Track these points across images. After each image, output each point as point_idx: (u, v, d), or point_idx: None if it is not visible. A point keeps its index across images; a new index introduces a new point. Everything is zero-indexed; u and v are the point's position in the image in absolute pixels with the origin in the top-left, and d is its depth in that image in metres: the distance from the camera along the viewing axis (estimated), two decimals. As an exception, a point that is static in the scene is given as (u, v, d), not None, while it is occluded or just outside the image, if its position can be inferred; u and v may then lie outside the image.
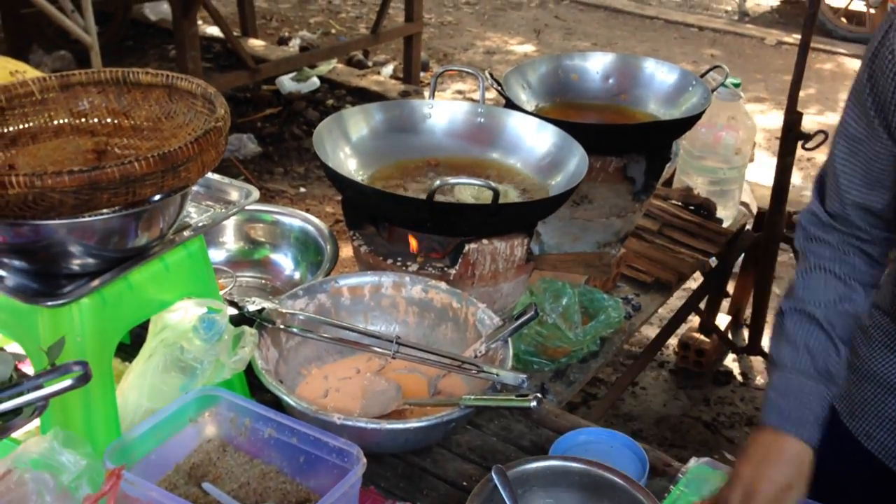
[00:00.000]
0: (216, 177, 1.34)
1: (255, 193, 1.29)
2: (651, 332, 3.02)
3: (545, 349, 2.03)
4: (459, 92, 5.34)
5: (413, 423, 1.23)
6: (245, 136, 4.42)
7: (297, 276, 1.65)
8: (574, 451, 1.31)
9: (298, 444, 1.19)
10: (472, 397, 1.24)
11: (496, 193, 1.48)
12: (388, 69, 5.58)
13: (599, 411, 2.60)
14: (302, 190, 4.14)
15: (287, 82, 5.03)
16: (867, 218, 1.27)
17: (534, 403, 1.17)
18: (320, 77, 5.15)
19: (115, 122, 1.26)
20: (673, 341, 3.10)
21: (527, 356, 2.03)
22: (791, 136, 2.43)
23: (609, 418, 2.76)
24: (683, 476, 1.27)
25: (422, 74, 5.40)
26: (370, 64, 5.67)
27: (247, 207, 1.68)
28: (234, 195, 1.32)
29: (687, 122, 2.06)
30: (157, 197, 1.08)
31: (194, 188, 1.32)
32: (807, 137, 2.42)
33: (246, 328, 1.25)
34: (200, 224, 1.22)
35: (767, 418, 1.24)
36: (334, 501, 1.08)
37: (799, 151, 2.54)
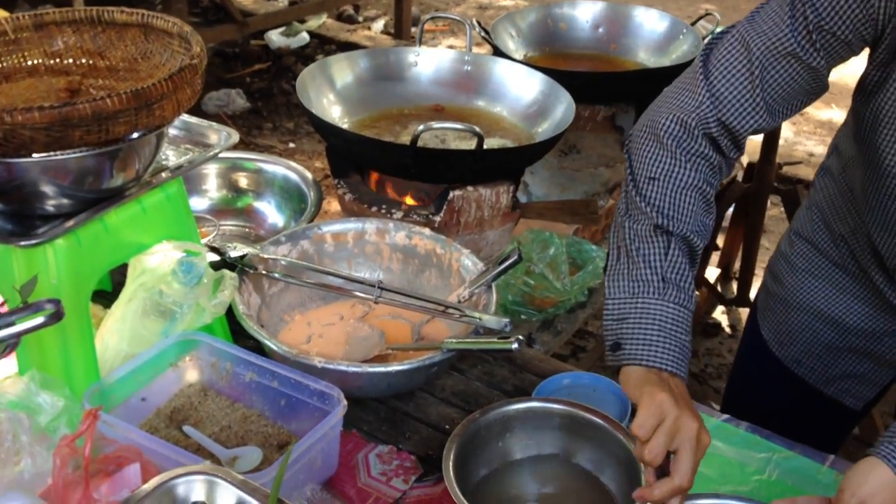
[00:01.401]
0: (195, 120, 1.32)
1: (235, 136, 1.27)
2: (640, 285, 3.02)
3: (532, 299, 2.02)
4: (452, 47, 5.28)
5: (395, 367, 1.22)
6: (234, 92, 4.36)
7: (280, 223, 1.63)
8: (557, 394, 1.31)
9: (279, 388, 1.19)
10: (454, 341, 1.24)
11: (480, 138, 1.47)
12: (379, 24, 5.50)
13: (588, 363, 2.61)
14: (291, 145, 4.11)
15: (276, 37, 4.96)
16: (727, 137, 1.17)
17: (515, 345, 1.17)
18: (310, 32, 5.08)
19: (90, 62, 1.24)
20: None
21: (514, 306, 2.02)
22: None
23: (597, 370, 2.76)
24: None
25: (413, 29, 5.33)
26: (361, 19, 5.59)
27: (230, 155, 1.68)
28: (213, 138, 1.30)
29: (676, 71, 2.03)
30: (133, 135, 1.07)
31: (174, 132, 1.30)
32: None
33: (226, 272, 1.24)
34: (178, 166, 1.21)
35: (658, 360, 1.05)
36: (314, 442, 1.08)
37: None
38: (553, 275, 2.02)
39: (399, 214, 1.61)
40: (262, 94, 4.52)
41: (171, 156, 1.24)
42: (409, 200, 1.73)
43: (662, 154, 1.14)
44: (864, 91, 1.16)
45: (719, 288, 3.05)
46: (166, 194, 1.19)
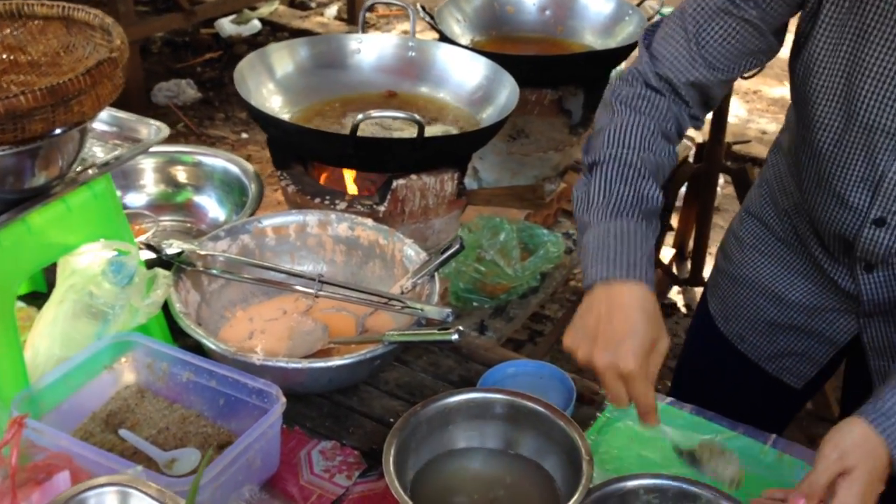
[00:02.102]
0: (125, 115, 1.28)
1: (165, 131, 1.24)
2: (597, 267, 3.02)
3: (484, 286, 2.02)
4: (405, 32, 5.24)
5: (336, 361, 1.20)
6: (184, 82, 4.29)
7: (221, 217, 1.60)
8: (502, 383, 1.30)
9: (218, 387, 1.17)
10: (395, 333, 1.22)
11: (421, 126, 1.45)
12: (332, 10, 5.44)
13: (545, 347, 2.61)
14: (244, 136, 4.05)
15: (227, 25, 4.88)
16: (694, 95, 1.22)
17: (455, 336, 1.16)
18: (261, 19, 5.01)
19: (12, 57, 1.20)
20: (619, 276, 3.11)
21: (466, 294, 2.01)
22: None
23: (555, 354, 2.77)
24: (609, 403, 1.27)
25: (367, 15, 5.28)
26: (313, 5, 5.53)
27: (167, 149, 1.64)
28: (143, 133, 1.26)
29: (621, 52, 2.03)
30: (53, 132, 1.03)
31: (102, 127, 1.27)
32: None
33: (159, 270, 1.21)
34: (105, 163, 1.17)
35: (593, 273, 1.08)
36: (251, 442, 1.06)
37: (744, 84, 2.53)
38: (504, 261, 2.01)
39: (343, 205, 1.58)
40: (213, 83, 4.45)
41: (98, 152, 1.21)
42: (354, 190, 1.71)
43: (606, 111, 1.21)
44: (797, 46, 1.18)
45: (675, 268, 3.07)
46: (93, 192, 1.16)
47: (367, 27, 5.19)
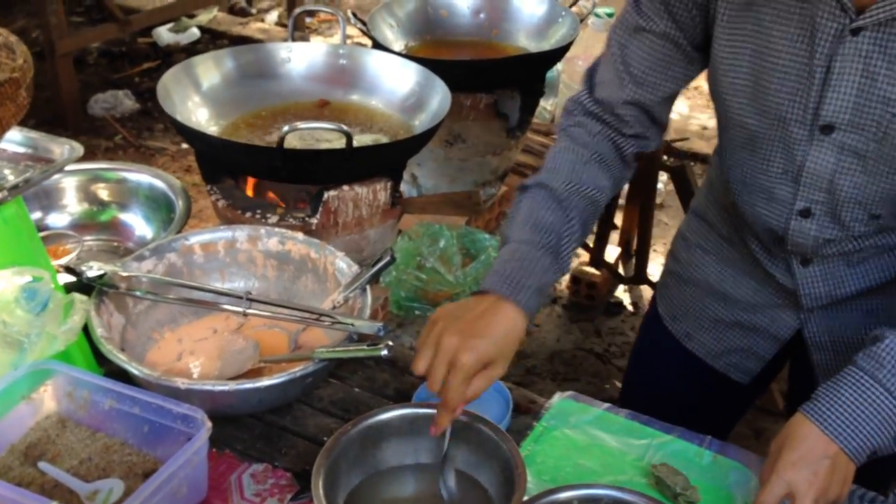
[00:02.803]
0: (37, 134, 1.24)
1: (79, 150, 1.20)
2: (543, 269, 3.02)
3: (426, 294, 2.00)
4: (349, 37, 5.20)
5: (265, 382, 1.17)
6: (121, 93, 4.20)
7: (149, 235, 1.56)
8: (437, 396, 1.29)
9: (141, 414, 1.13)
10: (325, 350, 1.20)
11: (349, 137, 1.42)
12: (273, 16, 5.37)
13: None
14: (184, 146, 3.97)
15: (165, 34, 4.79)
16: (637, 114, 1.26)
17: (384, 352, 1.13)
18: (200, 27, 4.92)
19: (-87, 79, 1.15)
20: (566, 277, 3.12)
21: (407, 302, 1.99)
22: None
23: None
24: (547, 412, 1.27)
25: (308, 20, 5.23)
26: (254, 11, 5.46)
27: (89, 167, 1.59)
28: (57, 152, 1.22)
29: (555, 54, 2.03)
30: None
31: (13, 148, 1.22)
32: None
33: (76, 295, 1.17)
34: (14, 185, 1.13)
35: (485, 283, 1.14)
36: (176, 470, 1.03)
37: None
38: (445, 267, 2.00)
39: (274, 218, 1.55)
40: (151, 93, 4.33)
41: (8, 174, 1.16)
42: (286, 203, 1.68)
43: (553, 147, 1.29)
44: (710, 47, 1.20)
45: (621, 266, 3.08)
46: (3, 217, 1.11)
47: (308, 32, 5.15)
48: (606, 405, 1.28)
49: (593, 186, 1.24)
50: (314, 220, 1.55)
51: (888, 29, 1.03)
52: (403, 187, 2.21)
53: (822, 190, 1.15)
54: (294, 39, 1.92)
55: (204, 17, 5.01)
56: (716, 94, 1.21)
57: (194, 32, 4.86)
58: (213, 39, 4.94)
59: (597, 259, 3.01)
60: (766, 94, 1.13)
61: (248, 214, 1.56)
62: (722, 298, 1.40)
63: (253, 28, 5.07)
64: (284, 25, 5.22)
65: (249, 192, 1.64)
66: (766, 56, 1.11)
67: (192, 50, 4.78)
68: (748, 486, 1.14)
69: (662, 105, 1.27)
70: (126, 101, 4.18)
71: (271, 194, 1.63)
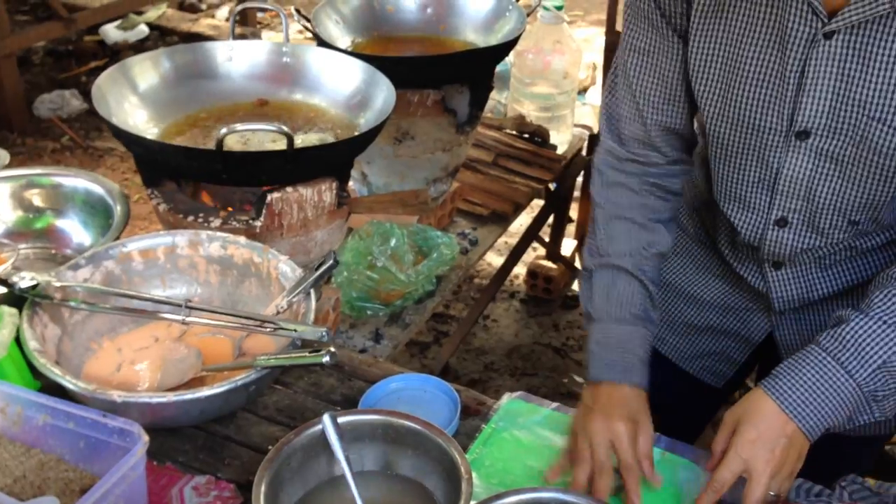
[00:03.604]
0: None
1: (5, 157, 1.16)
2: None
3: (378, 294, 1.98)
4: (300, 31, 5.13)
5: (205, 392, 1.14)
6: (67, 93, 4.11)
7: (87, 242, 1.52)
8: (387, 399, 1.27)
9: (76, 429, 1.09)
10: (266, 357, 1.17)
11: (289, 138, 1.39)
12: (224, 11, 5.30)
13: (450, 348, 2.59)
14: (135, 146, 3.91)
15: (112, 31, 4.70)
16: (670, 140, 1.26)
17: (326, 358, 1.11)
18: (149, 24, 4.84)
19: None
20: (523, 271, 3.11)
21: (359, 302, 1.97)
22: (612, 57, 2.41)
23: (461, 354, 2.76)
24: (495, 413, 1.25)
25: (259, 15, 5.16)
26: (204, 7, 5.37)
27: (22, 172, 1.54)
28: (-18, 161, 1.18)
29: (502, 49, 2.01)
30: None
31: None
32: (628, 57, 2.40)
33: (4, 308, 1.13)
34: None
35: (596, 373, 1.22)
36: (111, 487, 1.00)
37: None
38: (396, 266, 1.97)
39: (217, 222, 1.52)
40: (100, 93, 4.27)
41: (-70, 186, 1.12)
42: (231, 206, 1.64)
43: (594, 206, 1.33)
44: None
45: (578, 259, 3.08)
46: (-76, 230, 1.07)
47: (259, 28, 5.07)
48: (555, 405, 1.27)
49: (656, 245, 1.27)
50: (258, 223, 1.52)
51: (861, 31, 1.01)
52: (354, 186, 2.18)
53: (800, 198, 1.14)
54: (246, 36, 1.88)
55: (152, 13, 4.92)
56: (695, 101, 1.20)
57: (143, 30, 4.78)
58: (162, 36, 4.86)
59: (553, 253, 3.01)
60: (739, 104, 1.12)
61: (191, 218, 1.53)
62: (693, 302, 1.39)
63: (203, 24, 4.99)
64: (236, 21, 5.14)
65: (194, 195, 1.61)
66: (738, 65, 1.10)
67: (141, 48, 4.69)
68: (697, 482, 1.14)
69: (686, 122, 1.25)
70: (73, 102, 4.09)
71: (205, 197, 1.60)
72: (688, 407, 1.48)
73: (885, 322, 1.04)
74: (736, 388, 1.53)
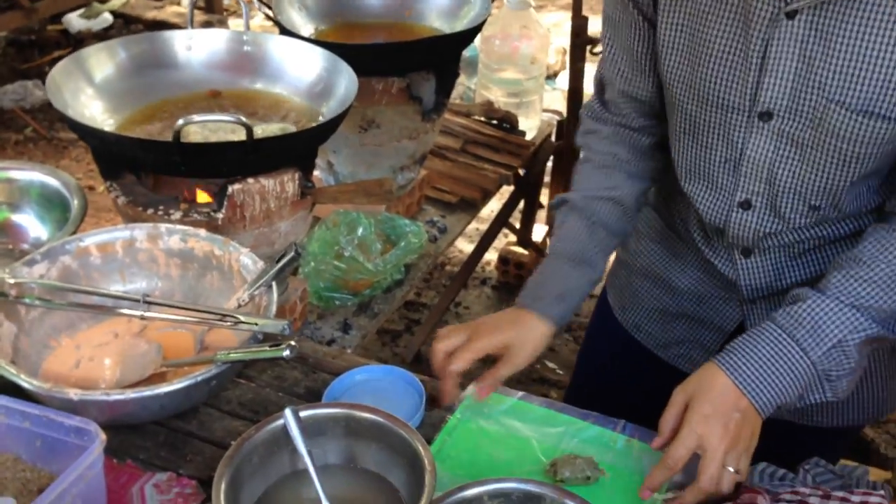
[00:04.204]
0: None
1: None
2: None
3: (346, 283, 1.96)
4: (269, 17, 5.07)
5: (164, 388, 1.13)
6: (30, 83, 4.04)
7: (45, 236, 1.49)
8: (351, 391, 1.26)
9: (32, 428, 1.07)
10: (226, 352, 1.16)
11: (248, 129, 1.37)
12: (190, -1, 5.23)
13: (422, 336, 2.58)
14: (100, 137, 3.85)
15: (75, 20, 4.62)
16: (635, 106, 1.29)
17: (287, 352, 1.10)
18: (112, 12, 4.76)
19: None
20: (494, 258, 3.11)
21: (327, 293, 1.95)
22: (579, 42, 2.40)
23: (431, 342, 2.74)
24: (461, 403, 1.25)
25: (226, 2, 5.10)
26: (169, -6, 5.29)
27: (-25, 166, 1.51)
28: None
29: (467, 35, 1.99)
30: None
31: None
32: (594, 42, 2.40)
33: (-46, 307, 1.10)
34: None
35: (517, 300, 1.28)
36: (67, 487, 0.98)
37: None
38: (364, 256, 1.96)
39: (178, 214, 1.49)
40: (63, 83, 4.20)
41: None
42: (197, 197, 1.62)
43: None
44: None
45: (548, 244, 3.08)
46: None
47: (226, 15, 5.01)
48: (521, 394, 1.27)
49: (610, 187, 1.28)
50: (220, 215, 1.50)
51: (823, 12, 1.01)
52: (320, 175, 2.16)
53: (762, 180, 1.14)
54: (213, 24, 1.85)
55: (116, 1, 4.84)
56: (661, 78, 1.20)
57: (107, 18, 4.71)
58: (126, 24, 4.79)
59: (524, 238, 3.00)
60: (704, 81, 1.12)
61: (150, 211, 1.50)
62: (668, 289, 1.40)
63: (168, 12, 4.92)
64: (201, 8, 5.07)
65: (154, 187, 1.58)
66: (703, 42, 1.10)
67: (105, 36, 4.62)
68: (661, 468, 1.14)
69: (654, 95, 1.26)
70: (36, 92, 4.03)
71: (176, 189, 1.57)
72: (663, 394, 1.48)
73: (841, 302, 1.04)
74: None
